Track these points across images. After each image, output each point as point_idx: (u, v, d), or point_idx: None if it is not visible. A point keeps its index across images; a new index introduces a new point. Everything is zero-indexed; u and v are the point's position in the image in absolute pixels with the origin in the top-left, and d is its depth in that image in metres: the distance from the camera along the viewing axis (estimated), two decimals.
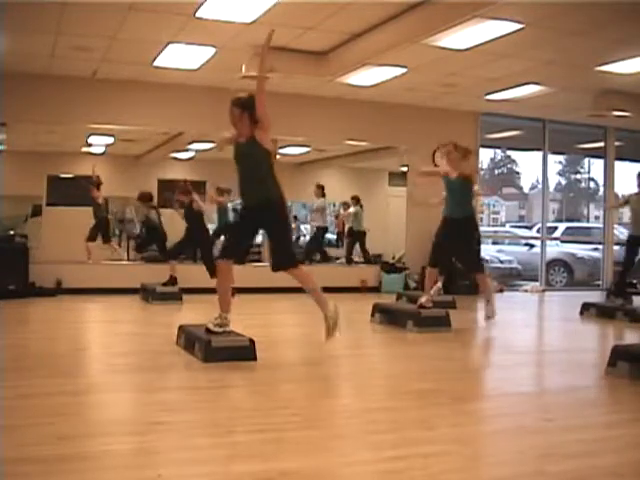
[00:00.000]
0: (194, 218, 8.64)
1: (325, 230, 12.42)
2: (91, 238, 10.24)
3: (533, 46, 7.38)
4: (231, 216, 11.31)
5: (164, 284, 8.73)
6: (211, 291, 8.46)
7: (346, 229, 12.93)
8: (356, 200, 12.26)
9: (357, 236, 12.16)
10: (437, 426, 3.34)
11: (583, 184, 36.72)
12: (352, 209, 12.28)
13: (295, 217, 14.40)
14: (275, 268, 4.84)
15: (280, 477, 2.56)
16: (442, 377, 4.54)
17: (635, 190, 8.20)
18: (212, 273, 8.27)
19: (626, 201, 8.65)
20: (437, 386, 4.23)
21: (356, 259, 12.20)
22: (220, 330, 4.83)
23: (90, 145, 12.12)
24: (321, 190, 12.05)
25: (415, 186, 7.14)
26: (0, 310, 7.36)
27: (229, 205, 11.29)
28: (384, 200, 13.97)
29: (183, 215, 8.81)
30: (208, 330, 4.83)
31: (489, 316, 6.67)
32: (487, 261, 12.90)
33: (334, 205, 14.06)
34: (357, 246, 12.26)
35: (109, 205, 11.24)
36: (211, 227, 9.82)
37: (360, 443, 3.10)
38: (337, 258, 12.52)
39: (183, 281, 8.87)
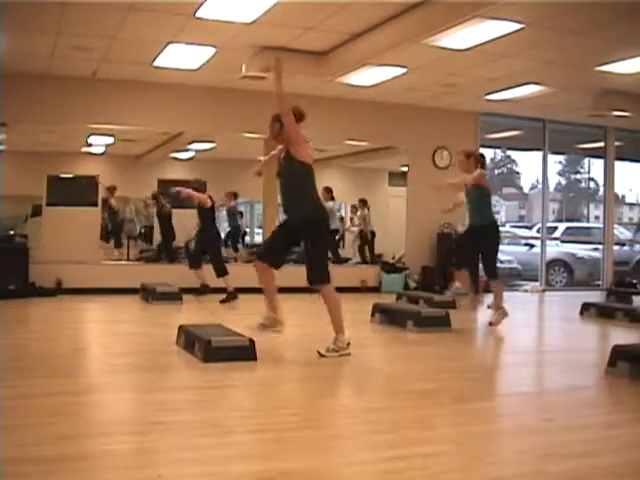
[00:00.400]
0: (206, 217, 8.59)
1: (336, 233, 12.29)
2: (106, 239, 10.79)
3: (533, 46, 7.38)
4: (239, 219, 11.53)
5: (197, 293, 8.64)
6: (211, 291, 8.51)
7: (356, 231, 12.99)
8: (364, 203, 12.37)
9: (367, 237, 12.29)
10: (437, 426, 3.34)
11: (583, 184, 36.72)
12: (363, 212, 12.39)
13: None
14: (308, 283, 4.90)
15: (280, 477, 2.56)
16: (442, 377, 4.54)
17: None
18: (219, 273, 8.29)
19: None
20: (437, 386, 4.23)
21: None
22: (268, 331, 4.96)
23: (90, 145, 12.11)
24: (330, 193, 12.00)
25: (439, 191, 7.24)
26: (0, 310, 7.36)
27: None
28: (384, 200, 13.95)
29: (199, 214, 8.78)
30: (262, 325, 4.98)
31: (492, 323, 6.66)
32: None
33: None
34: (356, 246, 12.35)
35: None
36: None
37: (360, 443, 3.09)
38: (347, 259, 12.52)
39: (183, 281, 8.87)
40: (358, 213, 12.51)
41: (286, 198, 4.92)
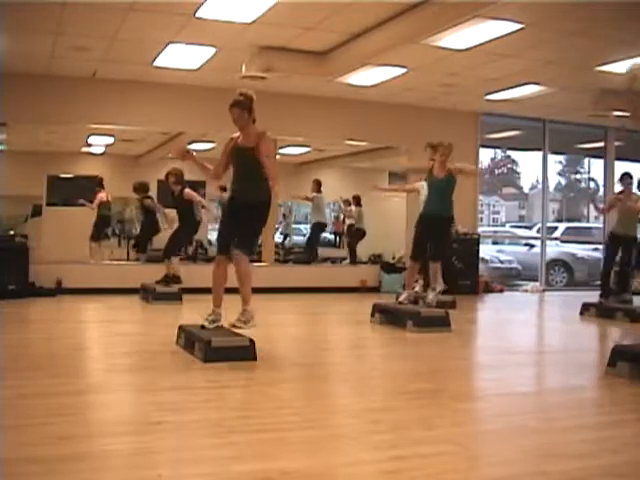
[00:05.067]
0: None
1: (321, 226, 12.29)
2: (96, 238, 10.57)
3: (533, 46, 7.38)
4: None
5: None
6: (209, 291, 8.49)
7: (346, 227, 13.05)
8: (357, 200, 12.39)
9: (358, 234, 12.31)
10: (437, 426, 3.33)
11: (583, 184, 36.70)
12: (358, 208, 12.42)
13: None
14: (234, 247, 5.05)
15: (280, 477, 2.56)
16: (442, 377, 4.54)
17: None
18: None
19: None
20: (437, 386, 4.23)
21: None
22: (212, 326, 4.96)
23: (90, 145, 12.13)
24: (318, 185, 12.01)
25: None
26: (0, 310, 7.36)
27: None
28: (384, 200, 13.95)
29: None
30: (202, 327, 4.97)
31: (430, 304, 6.88)
32: (487, 261, 12.93)
33: (333, 204, 14.06)
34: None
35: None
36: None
37: (360, 443, 3.09)
38: (343, 259, 12.48)
39: (183, 281, 8.86)
40: (352, 208, 12.53)
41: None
